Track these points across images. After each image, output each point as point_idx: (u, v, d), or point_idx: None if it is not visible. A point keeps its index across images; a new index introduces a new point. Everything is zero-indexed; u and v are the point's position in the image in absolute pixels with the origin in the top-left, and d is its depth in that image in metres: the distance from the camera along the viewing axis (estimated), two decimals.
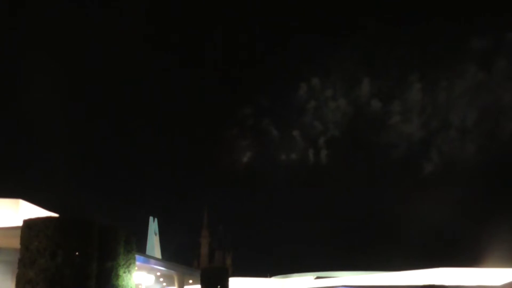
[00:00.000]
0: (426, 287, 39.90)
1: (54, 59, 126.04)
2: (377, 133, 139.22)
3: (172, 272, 44.41)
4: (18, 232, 17.37)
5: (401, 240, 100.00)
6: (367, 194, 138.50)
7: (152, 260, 39.99)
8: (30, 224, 17.01)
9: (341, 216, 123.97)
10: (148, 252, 67.89)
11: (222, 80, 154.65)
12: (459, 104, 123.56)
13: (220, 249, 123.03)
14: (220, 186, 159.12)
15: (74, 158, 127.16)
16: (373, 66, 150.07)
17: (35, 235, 16.63)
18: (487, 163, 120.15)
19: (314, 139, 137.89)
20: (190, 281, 52.05)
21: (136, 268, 24.26)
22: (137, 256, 25.13)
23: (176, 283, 46.26)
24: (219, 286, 37.82)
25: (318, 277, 74.95)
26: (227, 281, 38.77)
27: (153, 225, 76.23)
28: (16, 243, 17.66)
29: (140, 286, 35.34)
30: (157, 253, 73.62)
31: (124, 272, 22.28)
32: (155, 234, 76.64)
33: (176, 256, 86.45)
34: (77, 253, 16.94)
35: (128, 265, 22.80)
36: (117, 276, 21.65)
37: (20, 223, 17.63)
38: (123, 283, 22.03)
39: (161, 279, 48.39)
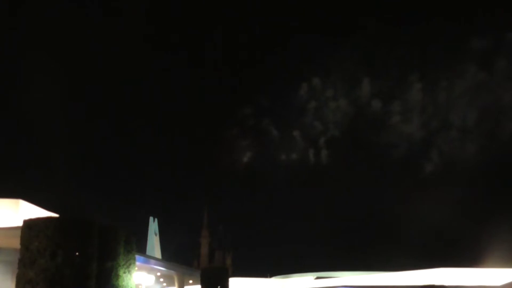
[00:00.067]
0: (426, 287, 39.93)
1: (54, 59, 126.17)
2: (377, 133, 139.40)
3: (172, 272, 44.42)
4: (18, 232, 17.37)
5: (401, 240, 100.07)
6: (367, 194, 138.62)
7: (152, 260, 40.02)
8: (30, 224, 17.01)
9: (341, 216, 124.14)
10: (148, 252, 67.93)
11: (222, 80, 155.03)
12: (459, 104, 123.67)
13: (220, 249, 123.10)
14: (220, 186, 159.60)
15: (74, 158, 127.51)
16: (373, 66, 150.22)
17: (35, 235, 16.63)
18: (487, 163, 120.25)
19: (314, 139, 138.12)
20: (190, 281, 52.07)
21: (136, 268, 24.26)
22: (137, 256, 25.14)
23: (176, 283, 46.27)
24: (219, 286, 37.83)
25: (318, 277, 74.97)
26: (227, 281, 38.78)
27: (153, 225, 76.30)
28: (16, 243, 17.66)
29: (140, 286, 35.34)
30: (157, 253, 73.67)
31: (124, 272, 22.28)
32: (155, 234, 76.70)
33: (176, 256, 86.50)
34: (77, 253, 16.94)
35: (128, 265, 22.80)
36: (117, 276, 21.65)
37: (20, 223, 17.63)
38: (123, 283, 22.04)
39: (161, 279, 48.40)
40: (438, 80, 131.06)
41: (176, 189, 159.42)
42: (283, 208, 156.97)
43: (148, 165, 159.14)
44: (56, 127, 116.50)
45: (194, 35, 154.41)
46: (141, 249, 61.50)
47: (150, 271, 38.63)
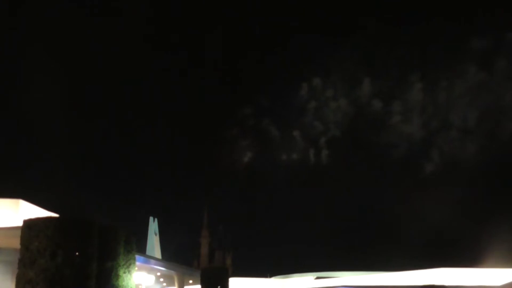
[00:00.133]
0: (426, 287, 39.96)
1: (54, 59, 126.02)
2: (377, 133, 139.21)
3: (172, 272, 44.42)
4: (18, 232, 17.37)
5: (401, 240, 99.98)
6: (367, 194, 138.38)
7: (152, 260, 40.02)
8: (30, 224, 17.02)
9: (341, 216, 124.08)
10: (148, 252, 67.93)
11: (222, 80, 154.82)
12: (460, 104, 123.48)
13: (220, 249, 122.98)
14: (220, 186, 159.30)
15: (74, 158, 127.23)
16: (373, 66, 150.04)
17: (35, 235, 16.63)
18: (487, 163, 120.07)
19: (314, 139, 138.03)
20: (190, 281, 52.06)
21: (136, 268, 24.27)
22: (137, 256, 25.14)
23: (176, 283, 46.28)
24: (219, 286, 37.84)
25: (318, 277, 74.98)
26: (227, 281, 38.78)
27: (153, 225, 76.30)
28: (16, 243, 17.66)
29: (140, 286, 35.35)
30: (157, 253, 73.67)
31: (124, 272, 22.28)
32: (155, 234, 76.70)
33: (176, 256, 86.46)
34: (77, 253, 16.94)
35: (128, 265, 22.80)
36: (117, 276, 21.66)
37: (20, 223, 17.64)
38: (123, 283, 22.04)
39: (161, 279, 48.40)
40: (438, 80, 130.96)
41: (176, 189, 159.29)
42: (283, 208, 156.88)
43: (148, 165, 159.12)
44: (56, 127, 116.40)
45: (194, 35, 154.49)
46: (141, 249, 61.52)
47: (150, 271, 38.63)
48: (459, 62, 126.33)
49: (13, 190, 32.76)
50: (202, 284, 38.40)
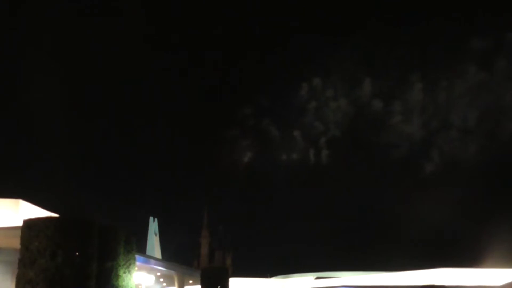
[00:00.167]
0: (426, 287, 39.97)
1: (54, 59, 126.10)
2: (377, 133, 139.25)
3: (172, 272, 44.42)
4: (18, 232, 17.37)
5: (401, 240, 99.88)
6: (367, 194, 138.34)
7: (152, 260, 40.01)
8: (30, 224, 17.01)
9: (341, 216, 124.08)
10: (148, 252, 67.92)
11: (222, 80, 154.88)
12: (460, 104, 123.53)
13: (220, 249, 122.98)
14: (220, 186, 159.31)
15: (74, 158, 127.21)
16: (373, 66, 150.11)
17: (35, 235, 16.63)
18: (487, 163, 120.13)
19: (314, 139, 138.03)
20: (190, 281, 52.06)
21: (136, 268, 24.26)
22: (137, 256, 25.14)
23: (176, 283, 46.27)
24: (219, 286, 37.82)
25: (318, 277, 74.99)
26: (227, 281, 38.77)
27: (153, 225, 76.27)
28: (16, 243, 17.66)
29: (140, 287, 35.35)
30: (157, 253, 73.65)
31: (124, 272, 22.28)
32: (155, 234, 76.68)
33: (176, 256, 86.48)
34: (77, 253, 16.94)
35: (128, 265, 22.80)
36: (117, 276, 21.65)
37: (20, 223, 17.63)
38: (123, 283, 22.03)
39: (161, 279, 48.40)
40: (438, 80, 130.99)
41: (176, 189, 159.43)
42: (283, 208, 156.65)
43: (148, 165, 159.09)
44: (56, 127, 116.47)
45: (194, 35, 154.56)
46: (141, 249, 61.53)
47: (150, 271, 38.62)
48: (459, 62, 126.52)
49: (13, 190, 32.83)
50: (202, 284, 38.39)
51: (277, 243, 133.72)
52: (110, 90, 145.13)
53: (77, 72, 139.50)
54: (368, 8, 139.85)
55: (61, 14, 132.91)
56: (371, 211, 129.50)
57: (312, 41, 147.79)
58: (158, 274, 43.32)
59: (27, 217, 17.54)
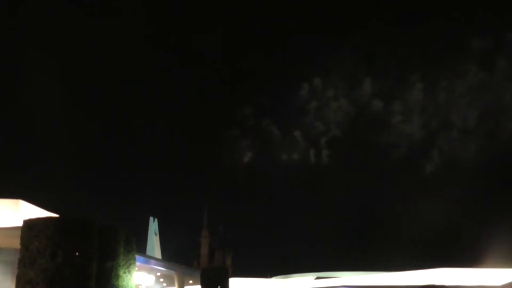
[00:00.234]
0: (426, 287, 39.93)
1: (54, 59, 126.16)
2: (377, 133, 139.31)
3: (172, 272, 44.42)
4: (18, 232, 17.37)
5: (401, 240, 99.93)
6: (367, 194, 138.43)
7: (152, 261, 40.00)
8: (30, 224, 17.01)
9: (341, 216, 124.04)
10: (148, 252, 67.91)
11: (222, 80, 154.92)
12: (460, 104, 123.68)
13: (220, 249, 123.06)
14: (220, 186, 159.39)
15: (74, 158, 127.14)
16: (374, 66, 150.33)
17: (35, 235, 16.63)
18: (487, 163, 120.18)
19: (315, 139, 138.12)
20: (190, 281, 52.06)
21: (136, 268, 24.26)
22: (137, 256, 25.13)
23: (176, 283, 46.27)
24: (219, 286, 37.81)
25: (318, 277, 74.98)
26: (227, 281, 38.77)
27: (153, 225, 76.22)
28: (16, 243, 17.66)
29: (140, 287, 35.35)
30: (157, 253, 73.63)
31: (124, 273, 22.28)
32: (155, 234, 76.63)
33: (176, 256, 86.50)
34: (77, 253, 16.94)
35: (128, 265, 22.80)
36: (117, 276, 21.65)
37: (20, 223, 17.63)
38: (123, 283, 22.03)
39: (161, 280, 48.40)
40: (438, 80, 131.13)
41: (176, 189, 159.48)
42: (283, 208, 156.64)
43: (148, 165, 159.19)
44: (56, 127, 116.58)
45: (194, 35, 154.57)
46: (141, 249, 61.51)
47: (150, 271, 38.62)
48: (459, 62, 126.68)
49: (13, 190, 32.83)
50: (202, 284, 38.39)
51: (277, 243, 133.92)
52: (110, 90, 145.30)
53: (77, 72, 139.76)
54: (368, 8, 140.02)
55: (61, 14, 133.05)
56: (371, 211, 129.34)
57: (312, 41, 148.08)
58: (158, 274, 43.32)
59: (27, 217, 17.53)
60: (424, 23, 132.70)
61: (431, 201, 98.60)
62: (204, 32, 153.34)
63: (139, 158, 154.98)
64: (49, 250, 16.43)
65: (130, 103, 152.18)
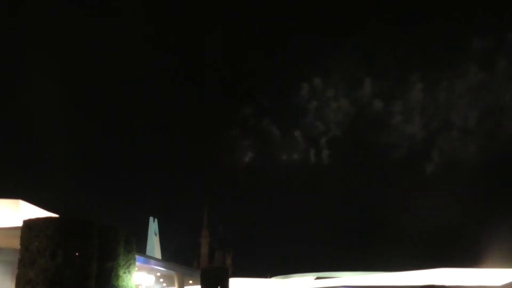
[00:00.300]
0: (426, 287, 39.95)
1: (54, 59, 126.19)
2: (378, 133, 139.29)
3: (172, 272, 44.43)
4: (18, 232, 17.37)
5: (401, 240, 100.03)
6: (367, 194, 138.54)
7: (152, 261, 40.02)
8: (30, 225, 17.01)
9: (341, 216, 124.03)
10: (148, 252, 67.91)
11: (222, 80, 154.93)
12: (460, 104, 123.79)
13: (220, 249, 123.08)
14: (220, 186, 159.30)
15: (74, 158, 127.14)
16: (374, 66, 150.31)
17: (35, 235, 16.63)
18: (487, 163, 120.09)
19: (315, 139, 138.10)
20: (190, 282, 52.07)
21: (136, 268, 24.27)
22: (137, 256, 25.15)
23: (176, 284, 46.28)
24: (219, 286, 37.82)
25: (318, 278, 74.94)
26: (227, 281, 38.77)
27: (153, 226, 76.22)
28: (16, 243, 17.66)
29: (140, 287, 35.35)
30: (157, 254, 73.64)
31: (124, 273, 22.29)
32: (155, 235, 76.63)
33: (176, 256, 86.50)
34: (77, 253, 16.94)
35: (128, 265, 22.81)
36: (117, 277, 21.67)
37: (20, 224, 17.63)
38: (123, 283, 22.05)
39: (161, 280, 48.40)
40: (438, 80, 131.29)
41: (176, 189, 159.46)
42: (283, 208, 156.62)
43: (148, 165, 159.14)
44: (56, 127, 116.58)
45: (194, 35, 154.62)
46: (141, 249, 61.49)
47: (150, 271, 38.63)
48: (459, 62, 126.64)
49: (13, 190, 32.84)
50: (202, 284, 38.39)
51: (277, 243, 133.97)
52: (110, 90, 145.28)
53: (77, 72, 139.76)
54: (368, 8, 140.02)
55: (61, 14, 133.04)
56: (371, 211, 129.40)
57: (312, 41, 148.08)
58: (158, 274, 43.33)
59: (27, 217, 17.54)
60: (424, 23, 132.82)
61: (431, 201, 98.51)
62: (204, 32, 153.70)
63: (139, 158, 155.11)
64: (49, 250, 16.43)
65: (130, 103, 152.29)
